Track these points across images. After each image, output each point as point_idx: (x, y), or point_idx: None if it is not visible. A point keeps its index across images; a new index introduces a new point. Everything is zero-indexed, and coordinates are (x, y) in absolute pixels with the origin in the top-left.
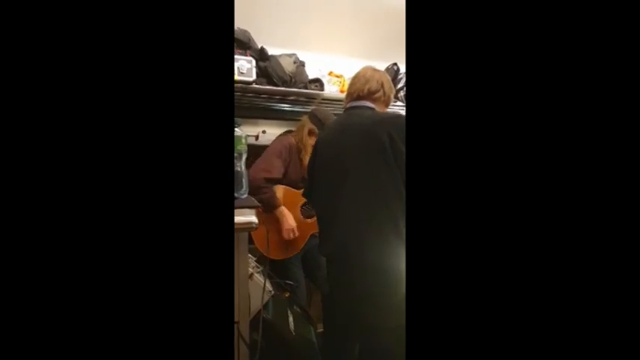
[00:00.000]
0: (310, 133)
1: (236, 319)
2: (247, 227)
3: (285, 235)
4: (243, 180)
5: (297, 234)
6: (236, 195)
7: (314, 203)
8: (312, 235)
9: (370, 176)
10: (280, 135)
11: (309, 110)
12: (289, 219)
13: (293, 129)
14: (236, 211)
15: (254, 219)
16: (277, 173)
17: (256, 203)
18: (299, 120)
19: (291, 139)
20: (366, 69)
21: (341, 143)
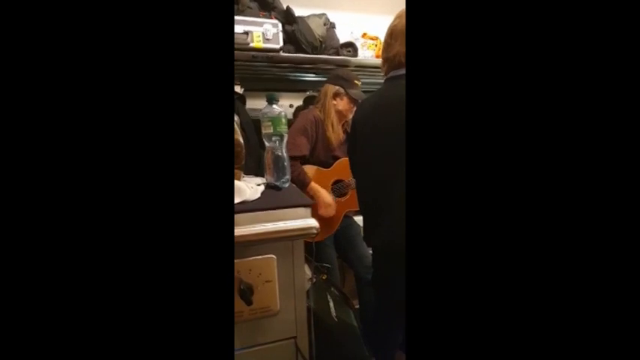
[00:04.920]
0: (335, 95)
1: (294, 334)
2: (306, 233)
3: (324, 212)
4: (286, 165)
5: (335, 209)
6: (278, 184)
7: (357, 189)
8: (346, 215)
9: None
10: (302, 109)
11: None
12: (324, 195)
13: (315, 95)
14: (290, 212)
15: (314, 223)
16: (303, 151)
17: (309, 200)
18: None
19: (316, 112)
20: (401, 17)
21: (384, 123)
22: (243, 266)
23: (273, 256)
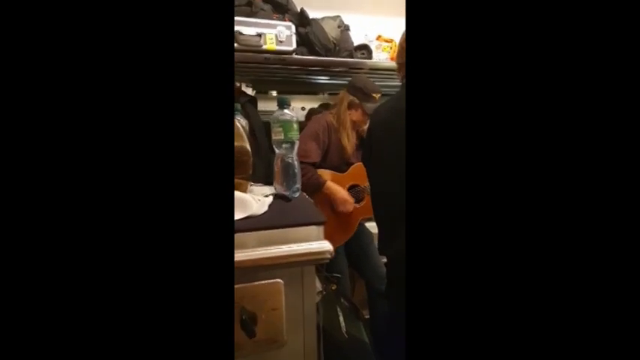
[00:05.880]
0: (350, 106)
1: None
2: (318, 258)
3: (342, 208)
4: (297, 172)
5: (352, 204)
6: (287, 194)
7: (373, 197)
8: (360, 223)
9: None
10: (316, 114)
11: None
12: (341, 191)
13: (331, 102)
14: (300, 232)
15: (328, 246)
16: (313, 157)
17: (322, 217)
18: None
19: (329, 118)
20: None
21: (401, 128)
22: (246, 292)
23: (280, 280)
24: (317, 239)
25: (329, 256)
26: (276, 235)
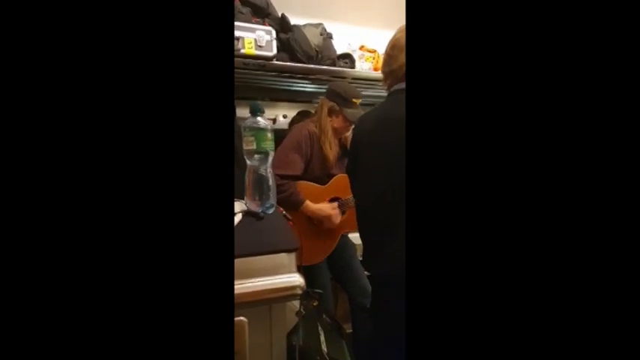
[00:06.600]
0: (330, 112)
1: None
2: (288, 295)
3: (328, 224)
4: (271, 186)
5: (338, 215)
6: (260, 211)
7: (358, 209)
8: (343, 235)
9: None
10: (298, 122)
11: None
12: (321, 209)
13: (310, 110)
14: (269, 260)
15: (298, 280)
16: (297, 170)
17: (295, 242)
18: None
19: (311, 127)
20: (404, 31)
21: (389, 140)
22: None
23: (243, 318)
24: (288, 270)
25: (299, 291)
26: (240, 266)
